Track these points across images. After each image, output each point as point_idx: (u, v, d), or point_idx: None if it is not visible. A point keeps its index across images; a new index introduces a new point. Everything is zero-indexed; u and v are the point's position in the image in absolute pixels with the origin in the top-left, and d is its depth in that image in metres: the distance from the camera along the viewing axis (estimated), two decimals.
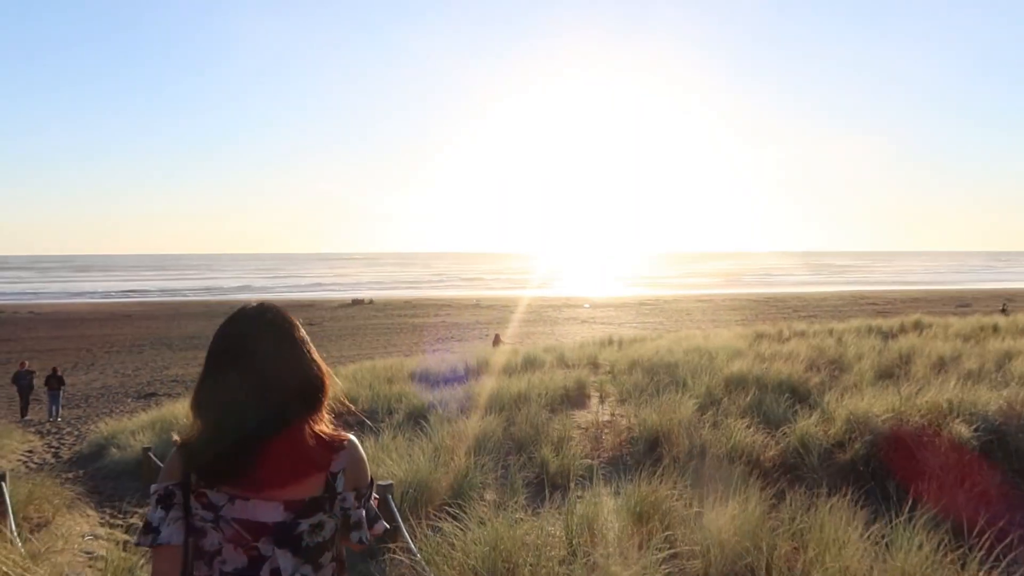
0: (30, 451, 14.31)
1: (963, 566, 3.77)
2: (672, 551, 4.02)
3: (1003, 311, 34.29)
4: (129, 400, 22.99)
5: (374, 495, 1.97)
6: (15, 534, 5.57)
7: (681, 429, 7.47)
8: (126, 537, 6.91)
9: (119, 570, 4.94)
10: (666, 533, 4.18)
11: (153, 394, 23.94)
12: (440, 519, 4.73)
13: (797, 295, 73.69)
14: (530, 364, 13.51)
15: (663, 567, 3.88)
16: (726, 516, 4.40)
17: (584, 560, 4.00)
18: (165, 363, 32.21)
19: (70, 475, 11.03)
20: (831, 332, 16.79)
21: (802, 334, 16.90)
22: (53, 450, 14.47)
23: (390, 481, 5.30)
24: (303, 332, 1.92)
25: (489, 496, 6.11)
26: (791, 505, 4.59)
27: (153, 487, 1.81)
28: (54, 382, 20.21)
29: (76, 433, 16.75)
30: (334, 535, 1.85)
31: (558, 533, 4.51)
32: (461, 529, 4.35)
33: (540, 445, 7.37)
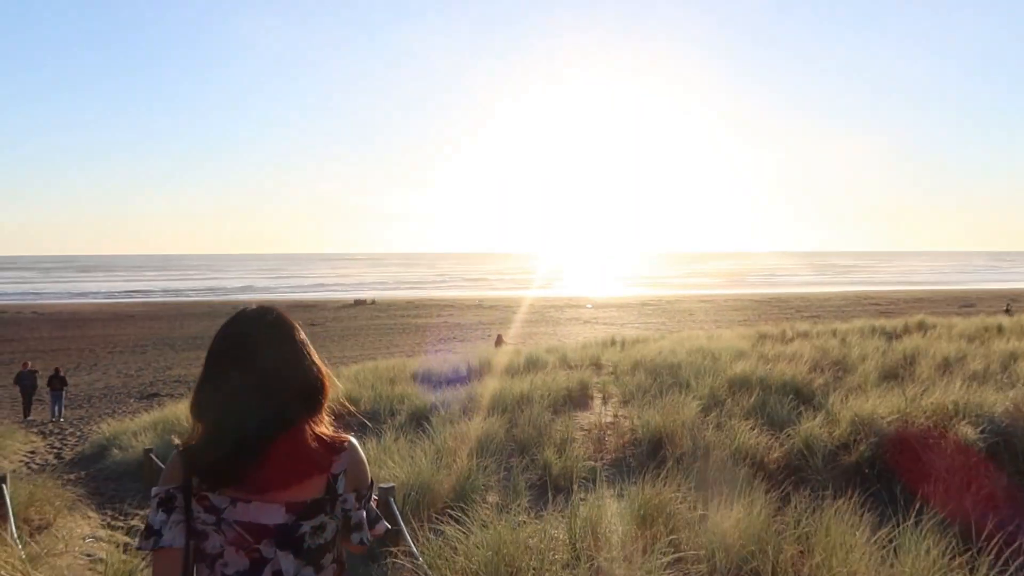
0: (32, 452, 14.31)
1: (972, 570, 3.72)
2: (677, 555, 3.97)
3: (1007, 311, 34.19)
4: (132, 400, 22.97)
5: (374, 496, 1.97)
6: (15, 537, 5.54)
7: (685, 431, 7.43)
8: (127, 539, 6.88)
9: (119, 573, 4.91)
10: (671, 537, 4.14)
11: (156, 394, 23.93)
12: (442, 522, 4.69)
13: (800, 295, 73.58)
14: (533, 365, 13.47)
15: (668, 571, 3.85)
16: (731, 519, 4.36)
17: (588, 564, 3.96)
18: (168, 363, 32.19)
19: (72, 476, 11.02)
20: (834, 333, 16.74)
21: (805, 335, 16.85)
22: (55, 451, 14.47)
23: (392, 484, 5.26)
24: (303, 334, 1.93)
25: (492, 498, 6.07)
26: (796, 508, 4.54)
27: (154, 490, 1.80)
28: (57, 382, 20.20)
29: (78, 434, 16.74)
30: (335, 537, 1.86)
31: (561, 536, 4.47)
32: (464, 532, 4.32)
33: (543, 447, 7.33)
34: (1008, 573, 3.82)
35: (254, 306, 1.94)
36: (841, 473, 6.48)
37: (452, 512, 4.86)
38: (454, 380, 12.39)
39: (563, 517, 4.80)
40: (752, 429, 7.16)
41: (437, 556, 4.26)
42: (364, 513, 1.90)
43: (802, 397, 8.76)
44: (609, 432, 8.22)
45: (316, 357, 1.91)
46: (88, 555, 6.16)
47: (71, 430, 17.51)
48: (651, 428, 7.66)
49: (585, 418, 9.08)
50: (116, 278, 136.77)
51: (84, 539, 6.79)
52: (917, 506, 4.32)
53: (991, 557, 3.74)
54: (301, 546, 1.78)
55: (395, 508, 4.87)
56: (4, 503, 6.06)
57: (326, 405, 1.90)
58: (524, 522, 4.44)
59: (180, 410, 13.66)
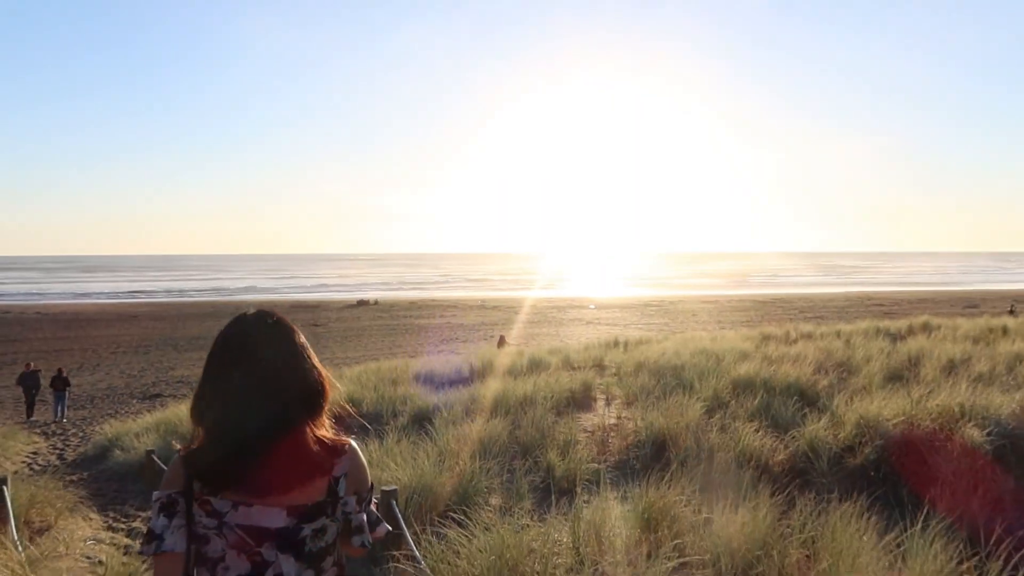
0: (35, 452, 14.31)
1: (981, 575, 3.68)
2: (681, 559, 3.93)
3: (1011, 312, 34.12)
4: (134, 401, 22.97)
5: (374, 500, 1.98)
6: (16, 540, 5.51)
7: (688, 432, 7.40)
8: (128, 541, 6.86)
9: None
10: (675, 542, 4.09)
11: (158, 395, 23.93)
12: (445, 525, 4.66)
13: (803, 296, 73.46)
14: (535, 366, 13.44)
15: None
16: (736, 523, 4.31)
17: (592, 569, 3.93)
18: (171, 364, 32.21)
19: (74, 477, 11.00)
20: (838, 334, 16.68)
21: (809, 336, 16.79)
22: (58, 452, 14.46)
23: (394, 486, 5.22)
24: (303, 337, 1.93)
25: (495, 501, 6.04)
26: (801, 512, 4.50)
27: (155, 495, 1.80)
28: (59, 383, 20.20)
29: (81, 434, 16.75)
30: (336, 540, 1.86)
31: (565, 540, 4.43)
32: (466, 536, 4.28)
33: (546, 449, 7.29)
34: None
35: (253, 310, 1.94)
36: (846, 476, 6.43)
37: (454, 515, 4.83)
38: (457, 381, 12.37)
39: (567, 520, 4.75)
40: (756, 431, 7.12)
41: (439, 560, 4.23)
42: (365, 516, 1.91)
43: (806, 399, 8.71)
44: (612, 434, 8.18)
45: (316, 360, 1.91)
46: (89, 557, 6.12)
47: (74, 431, 17.52)
48: (655, 430, 7.62)
49: (588, 420, 9.04)
50: (119, 278, 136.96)
51: (85, 541, 6.76)
52: (924, 510, 4.26)
53: (999, 563, 3.70)
54: (302, 549, 1.78)
55: (397, 511, 4.83)
56: (5, 505, 6.03)
57: (327, 408, 1.90)
58: (527, 525, 4.40)
59: (182, 411, 13.64)
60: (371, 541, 1.93)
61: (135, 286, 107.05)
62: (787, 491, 5.47)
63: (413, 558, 4.28)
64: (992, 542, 3.90)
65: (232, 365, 1.82)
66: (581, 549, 4.18)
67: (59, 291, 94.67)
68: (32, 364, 22.07)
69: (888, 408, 7.26)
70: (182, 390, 24.55)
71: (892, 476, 6.31)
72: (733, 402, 8.67)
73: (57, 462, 13.22)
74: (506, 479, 6.54)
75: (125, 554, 5.99)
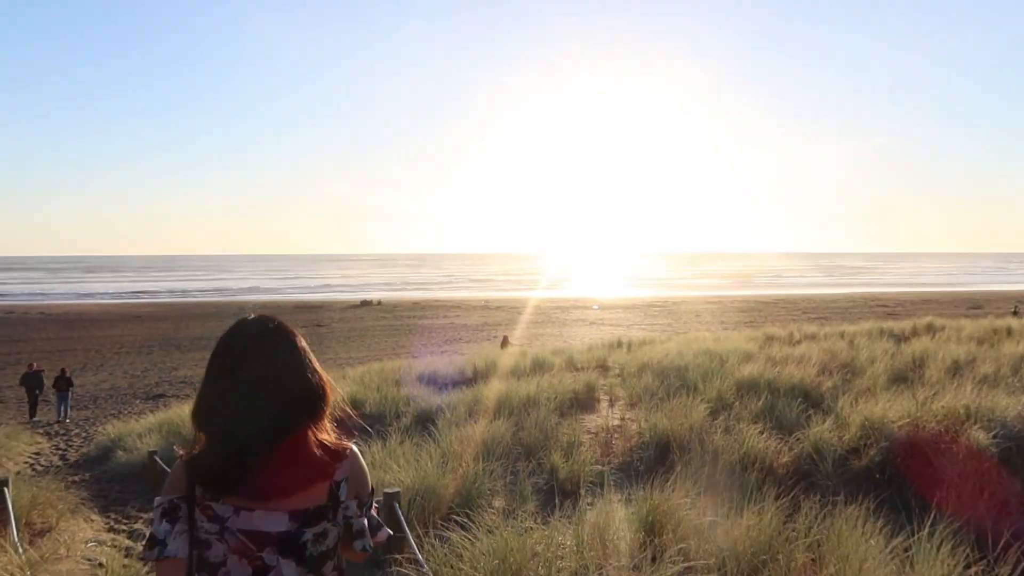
0: (37, 453, 14.31)
1: None
2: (687, 564, 3.90)
3: (1015, 313, 34.03)
4: (137, 401, 22.98)
5: (375, 504, 1.99)
6: (17, 542, 5.50)
7: (692, 434, 7.37)
8: (130, 543, 6.85)
9: None
10: (680, 545, 4.06)
11: (161, 395, 23.94)
12: (448, 528, 4.63)
13: (806, 297, 73.33)
14: (539, 367, 13.40)
15: None
16: (741, 527, 4.28)
17: (597, 574, 3.90)
18: (174, 364, 32.22)
19: (76, 478, 11.00)
20: (842, 335, 16.63)
21: (813, 337, 16.74)
22: (60, 452, 14.46)
23: (397, 489, 5.20)
24: (304, 341, 1.94)
25: (498, 503, 6.01)
26: (807, 515, 4.46)
27: (157, 500, 1.81)
28: (62, 383, 20.21)
29: (84, 435, 16.76)
30: (337, 544, 1.87)
31: (569, 543, 4.40)
32: (469, 539, 4.25)
33: (549, 450, 7.27)
34: None
35: (254, 315, 1.96)
36: (852, 478, 6.41)
37: (457, 517, 4.81)
38: (460, 382, 12.35)
39: (570, 523, 4.73)
40: (761, 433, 7.09)
41: (442, 563, 4.20)
42: (366, 521, 1.92)
43: (811, 400, 8.68)
44: (616, 435, 8.15)
45: (317, 364, 1.92)
46: (90, 560, 6.11)
47: (76, 431, 17.53)
48: (658, 431, 7.59)
49: (592, 421, 9.01)
50: (122, 279, 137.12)
51: (86, 543, 6.74)
52: (931, 513, 4.23)
53: (1008, 567, 3.66)
54: (303, 554, 1.78)
55: (400, 514, 4.81)
56: (5, 507, 6.02)
57: (328, 411, 1.90)
58: (531, 528, 4.37)
59: (185, 411, 13.63)
60: (372, 545, 1.94)
61: (138, 286, 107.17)
62: (792, 494, 5.44)
63: (416, 561, 4.25)
64: (1000, 547, 3.86)
65: (233, 370, 1.83)
66: (585, 553, 4.15)
67: (62, 291, 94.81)
68: (35, 364, 22.09)
69: (893, 410, 7.23)
70: (185, 390, 24.57)
71: (897, 479, 6.28)
72: (737, 403, 8.64)
73: (59, 463, 13.22)
74: (509, 481, 6.51)
75: (126, 556, 5.98)
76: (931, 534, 3.92)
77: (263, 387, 1.80)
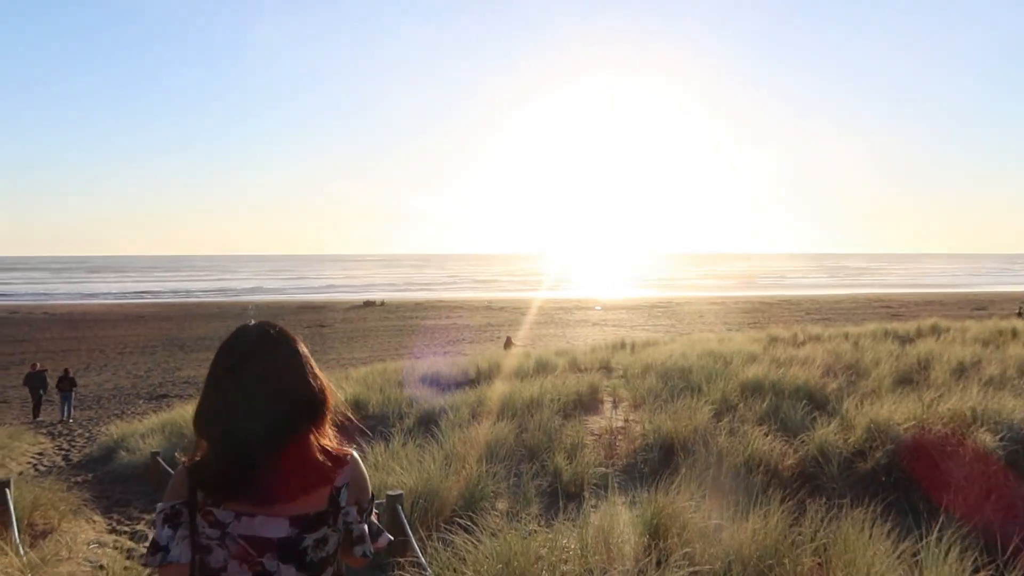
0: (40, 453, 14.31)
1: None
2: (692, 569, 3.86)
3: (1020, 314, 33.93)
4: (141, 401, 23.00)
5: (374, 510, 2.00)
6: (18, 543, 5.48)
7: (697, 436, 7.34)
8: (132, 544, 6.82)
9: None
10: (685, 550, 4.02)
11: (165, 395, 23.96)
12: (451, 531, 4.60)
13: (810, 297, 73.22)
14: (542, 368, 13.38)
15: None
16: (747, 531, 4.24)
17: None
18: (177, 364, 32.26)
19: (78, 478, 10.99)
20: (846, 336, 16.58)
21: (817, 338, 16.68)
22: (63, 452, 14.47)
23: (400, 491, 5.17)
24: (304, 347, 1.95)
25: (501, 505, 5.98)
26: (813, 518, 4.43)
27: (159, 506, 1.83)
28: (66, 383, 20.23)
29: (87, 435, 16.76)
30: (337, 550, 1.89)
31: (573, 547, 4.36)
32: (473, 543, 4.22)
33: (553, 452, 7.23)
34: None
35: (255, 321, 1.96)
36: (857, 481, 6.36)
37: (461, 520, 4.77)
38: (463, 383, 12.32)
39: (575, 526, 4.69)
40: (766, 435, 7.06)
41: (445, 567, 4.17)
42: (366, 527, 1.93)
43: (816, 402, 8.63)
44: (620, 437, 8.12)
45: (317, 370, 1.93)
46: (91, 561, 6.09)
47: (80, 431, 17.54)
48: (662, 433, 7.56)
49: (595, 423, 8.98)
50: (126, 279, 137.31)
51: (88, 545, 6.73)
52: (939, 517, 4.18)
53: (1019, 573, 3.62)
54: (304, 559, 1.80)
55: (403, 517, 4.78)
56: (7, 509, 6.00)
57: (328, 417, 1.92)
58: (535, 531, 4.34)
59: (188, 411, 13.62)
60: (373, 551, 1.96)
61: (142, 286, 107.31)
62: (797, 496, 5.41)
63: (419, 565, 4.22)
64: (1010, 552, 3.83)
65: (234, 376, 1.84)
66: (589, 557, 4.11)
67: (66, 291, 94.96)
68: (39, 364, 22.13)
69: (899, 412, 7.19)
70: (188, 390, 24.59)
71: (904, 481, 6.24)
72: (742, 405, 8.60)
73: (62, 463, 13.22)
74: (513, 483, 6.48)
75: (128, 558, 5.95)
76: (939, 539, 3.88)
77: (264, 388, 1.81)
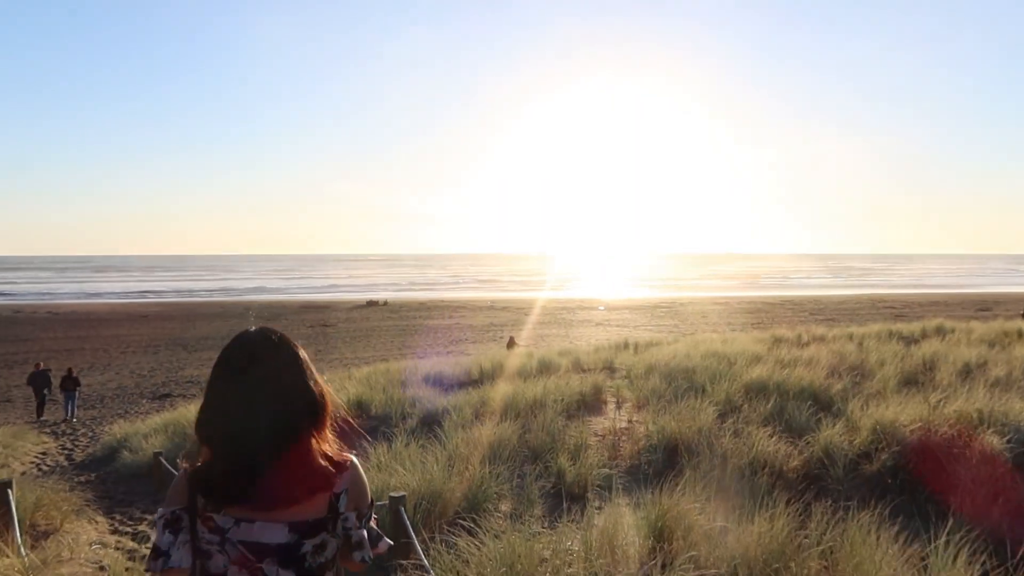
0: (44, 453, 14.31)
1: None
2: (698, 572, 3.83)
3: None
4: (144, 401, 23.01)
5: (374, 516, 2.01)
6: (20, 544, 5.46)
7: (701, 437, 7.29)
8: (134, 545, 6.80)
9: None
10: (690, 552, 3.99)
11: (168, 395, 23.97)
12: (454, 533, 4.57)
13: (813, 298, 73.06)
14: (545, 368, 13.34)
15: None
16: (753, 533, 4.21)
17: None
18: (180, 364, 32.27)
19: (81, 479, 10.98)
20: (851, 336, 16.50)
21: (821, 339, 16.62)
22: (66, 452, 14.46)
23: (403, 493, 5.14)
24: (304, 353, 1.96)
25: (505, 507, 5.95)
26: (819, 521, 4.39)
27: (160, 511, 1.85)
28: (69, 383, 20.24)
29: (90, 435, 16.77)
30: (336, 555, 1.90)
31: (577, 549, 4.33)
32: (476, 545, 4.19)
33: (556, 453, 7.20)
34: None
35: (255, 328, 1.98)
36: (863, 483, 6.32)
37: (464, 522, 4.74)
38: (466, 383, 12.29)
39: (578, 528, 4.66)
40: (770, 436, 7.02)
41: (448, 569, 4.14)
42: (365, 532, 1.94)
43: (820, 403, 8.59)
44: (624, 438, 8.08)
45: (317, 375, 1.95)
46: (94, 562, 6.07)
47: (83, 431, 17.55)
48: (666, 434, 7.52)
49: (599, 423, 8.95)
50: (130, 278, 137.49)
51: (91, 545, 6.70)
52: (948, 520, 4.14)
53: None
54: (303, 565, 1.81)
55: (406, 518, 4.75)
56: (9, 509, 5.98)
57: (328, 422, 1.93)
58: (538, 533, 4.31)
59: (191, 411, 13.62)
60: (372, 557, 1.97)
61: (145, 286, 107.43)
62: (803, 498, 5.37)
63: (422, 567, 4.20)
64: (1019, 555, 3.79)
65: (235, 381, 1.85)
66: (594, 560, 4.08)
67: (70, 291, 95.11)
68: (42, 364, 22.14)
69: (904, 413, 7.15)
70: (191, 390, 24.59)
71: (910, 484, 6.19)
72: (746, 406, 8.56)
73: (65, 463, 13.22)
74: (516, 484, 6.45)
75: (130, 559, 5.93)
76: (947, 542, 3.84)
77: (265, 393, 1.82)
